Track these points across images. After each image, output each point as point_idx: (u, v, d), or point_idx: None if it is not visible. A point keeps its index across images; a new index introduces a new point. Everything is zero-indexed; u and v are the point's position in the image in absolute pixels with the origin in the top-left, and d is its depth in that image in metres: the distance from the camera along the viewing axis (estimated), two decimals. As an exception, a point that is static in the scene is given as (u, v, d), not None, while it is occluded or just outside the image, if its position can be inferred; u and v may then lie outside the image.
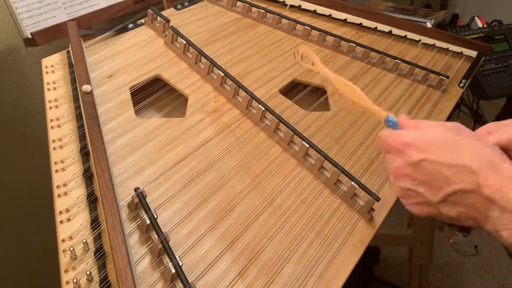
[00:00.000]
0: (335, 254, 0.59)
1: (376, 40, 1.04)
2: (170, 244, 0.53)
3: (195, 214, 0.60)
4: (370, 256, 1.52)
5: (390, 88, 0.90)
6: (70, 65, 0.80)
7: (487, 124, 0.51)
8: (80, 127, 0.68)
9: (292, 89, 0.87)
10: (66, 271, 0.51)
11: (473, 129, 0.52)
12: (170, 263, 0.51)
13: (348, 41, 0.96)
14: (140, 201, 0.57)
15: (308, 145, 0.69)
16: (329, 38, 0.98)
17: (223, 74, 0.79)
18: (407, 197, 0.47)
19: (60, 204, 0.58)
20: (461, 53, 1.03)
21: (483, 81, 1.24)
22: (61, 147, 0.66)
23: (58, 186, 0.60)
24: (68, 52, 0.82)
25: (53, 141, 0.67)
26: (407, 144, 0.45)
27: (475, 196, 0.41)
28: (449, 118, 0.88)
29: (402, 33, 1.05)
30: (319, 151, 0.68)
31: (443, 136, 0.45)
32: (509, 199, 0.39)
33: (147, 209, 0.56)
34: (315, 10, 1.08)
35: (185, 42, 0.84)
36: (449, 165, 0.42)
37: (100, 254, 0.52)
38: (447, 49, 1.03)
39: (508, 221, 0.40)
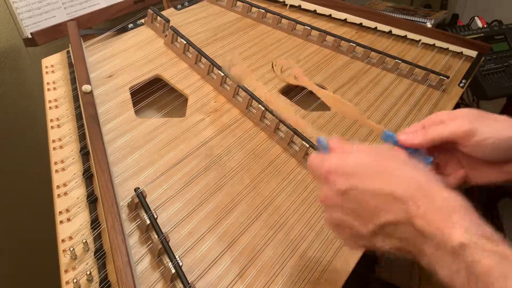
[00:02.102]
0: (335, 254, 0.58)
1: (376, 40, 1.04)
2: (170, 244, 0.53)
3: (195, 214, 0.60)
4: (370, 256, 1.52)
5: (390, 88, 0.90)
6: (70, 65, 0.80)
7: (438, 112, 0.48)
8: (80, 127, 0.68)
9: (292, 89, 0.87)
10: (66, 271, 0.51)
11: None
12: (170, 263, 0.51)
13: (348, 41, 0.96)
14: (140, 201, 0.57)
15: (308, 145, 0.69)
16: (329, 38, 0.98)
17: (223, 74, 0.79)
18: (338, 229, 0.43)
19: (60, 204, 0.58)
20: (461, 53, 1.03)
21: (483, 81, 1.24)
22: (61, 147, 0.66)
23: (58, 186, 0.60)
24: (68, 52, 0.82)
25: (53, 141, 0.67)
26: (331, 171, 0.41)
27: (407, 228, 0.37)
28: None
29: (402, 33, 1.05)
30: (319, 151, 0.68)
31: (370, 161, 0.41)
32: (443, 236, 0.34)
33: (147, 209, 0.56)
34: (315, 10, 1.08)
35: (185, 42, 0.84)
36: (377, 193, 0.38)
37: (100, 254, 0.52)
38: (447, 49, 1.03)
39: (444, 261, 0.35)
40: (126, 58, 0.84)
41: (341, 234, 0.43)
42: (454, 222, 0.35)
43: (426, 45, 1.05)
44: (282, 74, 0.57)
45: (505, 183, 0.48)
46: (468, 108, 0.47)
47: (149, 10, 0.91)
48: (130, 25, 0.91)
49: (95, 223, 0.56)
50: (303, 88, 0.86)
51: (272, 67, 0.58)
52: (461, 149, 0.46)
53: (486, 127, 0.45)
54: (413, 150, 0.47)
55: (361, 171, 0.40)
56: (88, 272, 0.50)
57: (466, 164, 0.49)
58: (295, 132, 0.70)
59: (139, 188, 0.58)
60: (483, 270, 0.32)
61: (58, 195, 0.59)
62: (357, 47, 0.96)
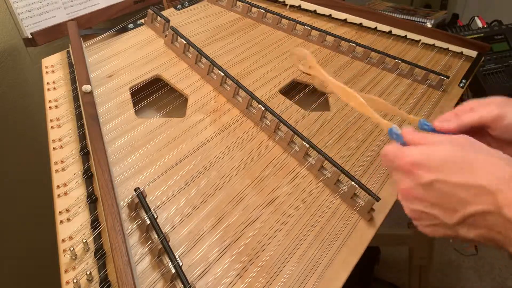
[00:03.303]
0: (335, 254, 0.59)
1: (376, 40, 1.04)
2: (170, 244, 0.53)
3: (195, 214, 0.60)
4: (370, 256, 1.52)
5: (390, 88, 0.90)
6: (70, 65, 0.80)
7: (469, 101, 0.49)
8: (80, 127, 0.68)
9: (292, 89, 0.87)
10: (66, 271, 0.51)
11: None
12: (170, 263, 0.51)
13: (348, 41, 0.96)
14: (140, 201, 0.57)
15: (308, 145, 0.69)
16: (329, 38, 0.98)
17: (223, 74, 0.79)
18: (419, 219, 0.44)
19: (60, 204, 0.58)
20: (461, 53, 1.03)
21: (483, 81, 1.24)
22: (61, 147, 0.66)
23: (58, 186, 0.60)
24: (68, 52, 0.82)
25: (53, 141, 0.67)
26: (415, 164, 0.41)
27: (495, 217, 0.38)
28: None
29: (402, 33, 1.05)
30: (319, 151, 0.68)
31: (454, 153, 0.41)
32: None
33: (147, 209, 0.56)
34: (315, 10, 1.08)
35: (185, 42, 0.84)
36: (465, 186, 0.39)
37: (100, 254, 0.52)
38: (447, 49, 1.03)
39: None
40: (126, 58, 0.84)
41: (421, 224, 0.44)
42: None
43: (426, 45, 1.05)
44: (299, 62, 0.57)
45: None
46: (498, 96, 0.49)
47: (149, 10, 0.91)
48: (130, 25, 0.91)
49: (95, 223, 0.56)
50: (303, 88, 0.86)
51: (292, 55, 0.58)
52: (491, 133, 0.48)
53: None
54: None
55: (447, 164, 0.40)
56: (88, 272, 0.50)
57: (495, 148, 0.51)
58: (295, 132, 0.70)
59: (139, 188, 0.58)
60: None
61: (58, 195, 0.59)
62: (357, 47, 0.96)
